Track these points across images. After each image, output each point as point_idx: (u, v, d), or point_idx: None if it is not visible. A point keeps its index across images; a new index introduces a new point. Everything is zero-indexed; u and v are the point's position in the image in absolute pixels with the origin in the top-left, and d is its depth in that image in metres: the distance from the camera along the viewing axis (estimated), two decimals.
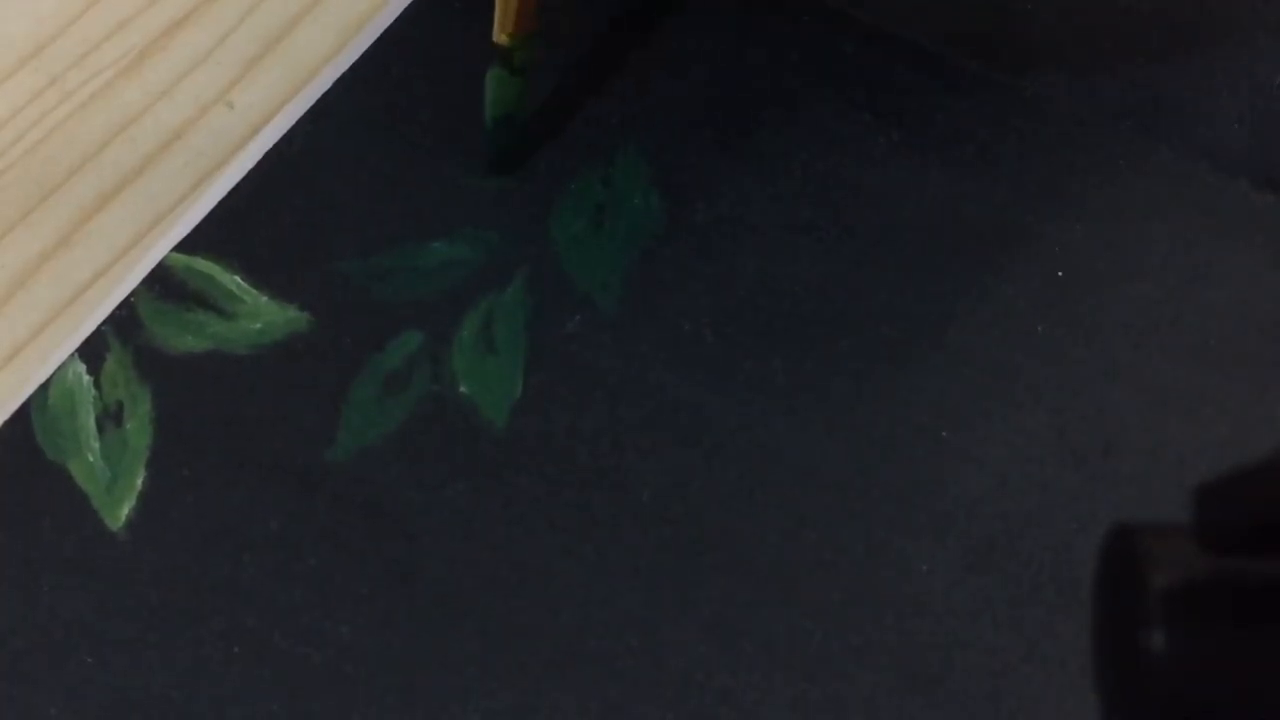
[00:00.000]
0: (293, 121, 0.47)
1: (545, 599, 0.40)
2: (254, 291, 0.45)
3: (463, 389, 0.43)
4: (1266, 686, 0.24)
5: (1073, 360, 0.44)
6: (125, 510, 0.41)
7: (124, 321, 0.44)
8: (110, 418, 0.43)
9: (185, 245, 0.45)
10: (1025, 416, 0.43)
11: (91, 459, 0.42)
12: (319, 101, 0.48)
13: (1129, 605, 0.25)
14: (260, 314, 0.44)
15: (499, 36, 0.44)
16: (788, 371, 0.44)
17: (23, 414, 0.43)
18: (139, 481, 0.42)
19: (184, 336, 0.44)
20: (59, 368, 0.43)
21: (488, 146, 0.46)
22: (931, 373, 0.44)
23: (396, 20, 0.49)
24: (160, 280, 0.45)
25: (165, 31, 0.49)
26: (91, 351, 0.44)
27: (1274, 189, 0.46)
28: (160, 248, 0.45)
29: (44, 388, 0.43)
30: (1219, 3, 0.50)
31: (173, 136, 0.47)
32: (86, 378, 0.43)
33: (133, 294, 0.45)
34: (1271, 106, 0.48)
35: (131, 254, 0.45)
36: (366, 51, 0.49)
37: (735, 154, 0.47)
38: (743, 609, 0.40)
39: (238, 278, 0.45)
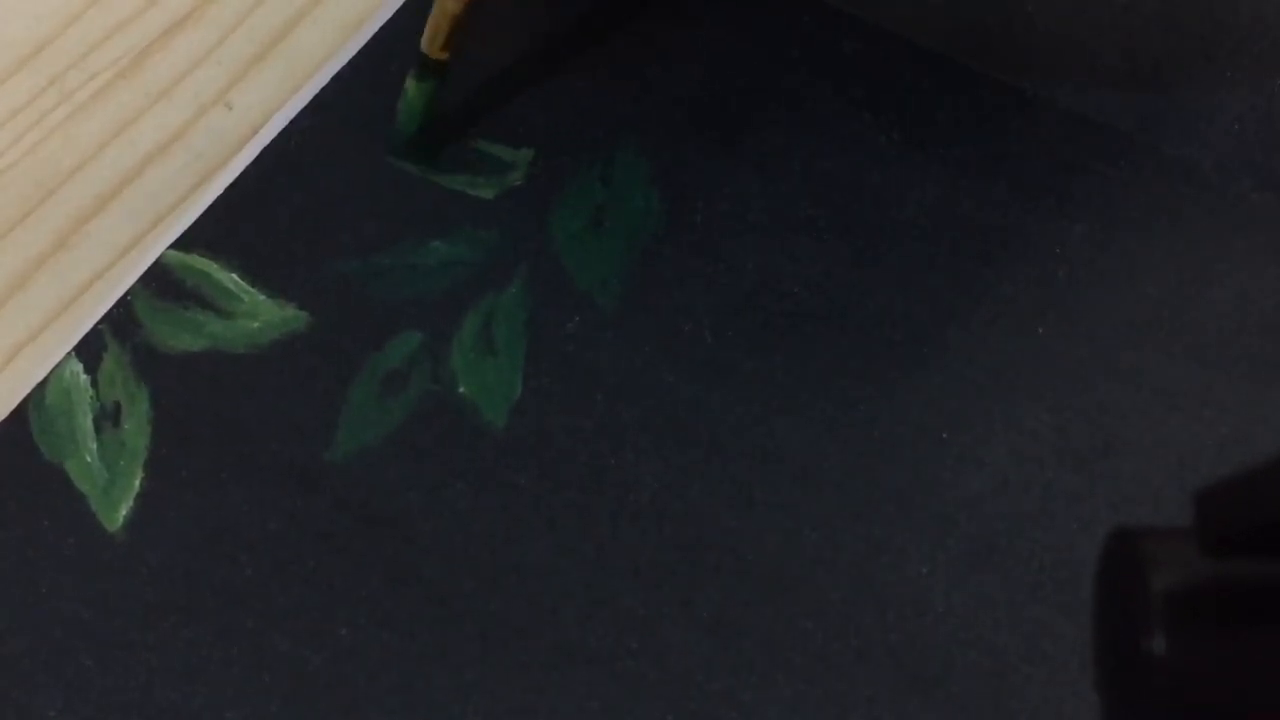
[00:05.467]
0: (290, 118, 0.47)
1: (545, 599, 0.40)
2: (251, 290, 0.44)
3: (462, 389, 0.43)
4: (1267, 690, 0.24)
5: (1073, 360, 0.44)
6: (123, 511, 0.41)
7: (121, 320, 0.44)
8: (108, 418, 0.43)
9: (182, 242, 0.45)
10: (1025, 416, 0.43)
11: (89, 460, 0.42)
12: (317, 97, 0.48)
13: (1130, 609, 0.25)
14: (258, 313, 0.44)
15: (438, 52, 0.45)
16: (788, 371, 0.43)
17: (20, 413, 0.43)
18: (137, 483, 0.42)
19: (181, 335, 0.44)
20: (56, 366, 0.43)
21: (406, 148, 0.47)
22: (931, 373, 0.43)
23: (394, 16, 0.49)
24: (157, 278, 0.45)
25: (164, 32, 0.49)
26: (89, 350, 0.44)
27: (1274, 189, 0.46)
28: (159, 249, 0.45)
29: (41, 386, 0.43)
30: (1220, 3, 0.49)
31: (172, 138, 0.47)
32: (84, 377, 0.43)
33: (130, 292, 0.44)
34: (1271, 106, 0.47)
35: (130, 256, 0.45)
36: (364, 48, 0.48)
37: (735, 154, 0.47)
38: (743, 609, 0.40)
39: (235, 275, 0.45)
